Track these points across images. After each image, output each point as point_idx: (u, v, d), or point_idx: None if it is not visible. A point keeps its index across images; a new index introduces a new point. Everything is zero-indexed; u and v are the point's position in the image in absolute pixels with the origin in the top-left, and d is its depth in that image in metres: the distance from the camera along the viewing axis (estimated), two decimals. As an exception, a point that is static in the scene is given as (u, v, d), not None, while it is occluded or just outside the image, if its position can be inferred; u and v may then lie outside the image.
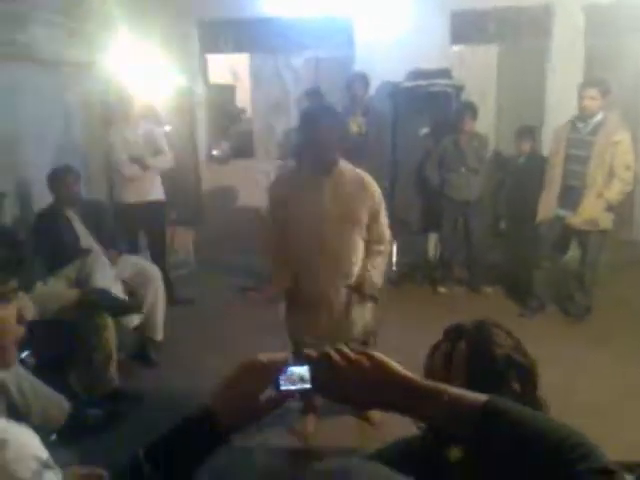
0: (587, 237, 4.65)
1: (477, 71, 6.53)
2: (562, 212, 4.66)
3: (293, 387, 0.96)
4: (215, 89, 7.25)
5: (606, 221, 4.56)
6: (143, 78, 5.92)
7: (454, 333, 1.25)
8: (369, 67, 5.85)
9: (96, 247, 4.10)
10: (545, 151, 5.34)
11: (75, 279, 3.73)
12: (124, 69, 5.69)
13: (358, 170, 3.01)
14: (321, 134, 2.80)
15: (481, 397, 0.88)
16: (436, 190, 5.51)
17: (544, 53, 6.20)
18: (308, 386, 0.95)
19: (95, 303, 3.44)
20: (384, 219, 3.06)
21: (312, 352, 0.95)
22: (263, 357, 0.98)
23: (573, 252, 4.95)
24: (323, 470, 0.86)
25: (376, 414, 3.31)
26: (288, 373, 0.96)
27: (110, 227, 4.41)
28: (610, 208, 4.51)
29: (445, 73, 6.05)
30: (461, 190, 5.36)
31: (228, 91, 8.14)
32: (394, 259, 5.51)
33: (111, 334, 3.49)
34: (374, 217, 3.01)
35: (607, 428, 3.19)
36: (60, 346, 3.31)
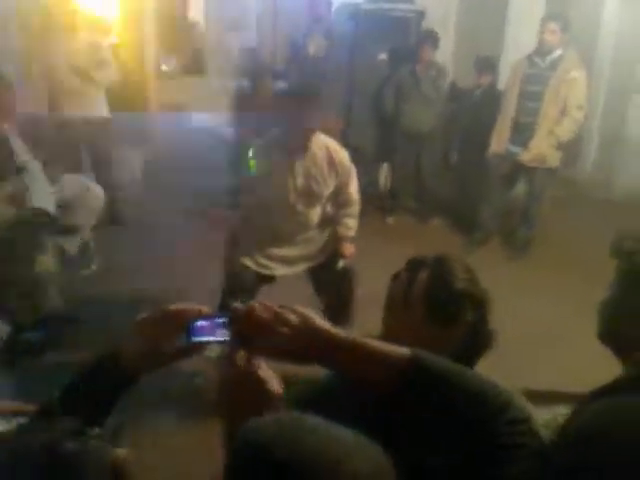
0: (534, 173, 4.71)
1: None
2: (513, 148, 4.70)
3: (206, 338, 0.95)
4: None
5: (554, 159, 4.62)
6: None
7: (416, 264, 1.30)
8: (329, -15, 5.60)
9: (35, 164, 3.89)
10: (502, 84, 5.31)
11: (11, 197, 3.56)
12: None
13: (329, 144, 3.03)
14: (303, 120, 2.81)
15: (406, 351, 0.90)
16: (391, 119, 5.44)
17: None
18: (222, 339, 0.94)
19: (32, 223, 3.31)
20: (354, 186, 3.16)
21: (238, 305, 0.93)
22: (177, 307, 0.97)
23: (520, 187, 5.03)
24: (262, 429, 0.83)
25: None
26: (202, 324, 0.95)
27: (50, 143, 4.20)
28: (559, 146, 4.57)
29: (407, -4, 5.86)
30: (416, 120, 5.29)
31: (180, 2, 7.69)
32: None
33: (49, 255, 3.39)
34: (342, 188, 3.11)
35: (538, 357, 3.38)
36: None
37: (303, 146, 2.92)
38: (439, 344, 1.18)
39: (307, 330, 0.90)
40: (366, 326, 3.31)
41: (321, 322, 0.92)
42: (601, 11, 6.16)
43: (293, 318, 0.91)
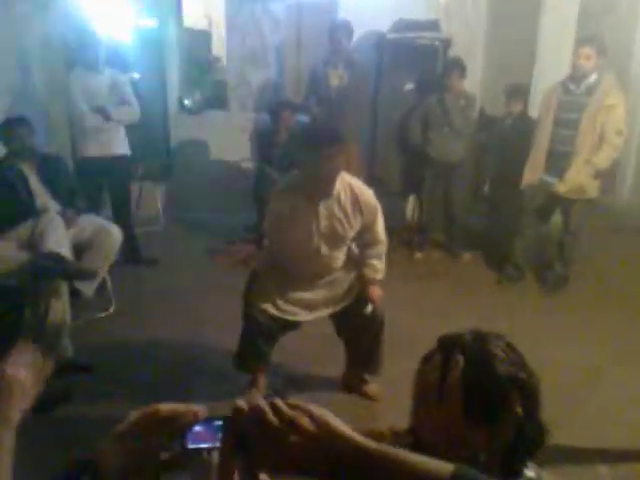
0: (571, 205, 4.47)
1: (466, 23, 6.17)
2: (548, 178, 4.46)
3: (204, 445, 0.77)
4: (189, 35, 6.83)
5: (592, 189, 4.37)
6: (110, 19, 5.52)
7: (449, 344, 1.08)
8: (353, 15, 5.47)
9: (53, 206, 3.81)
10: (532, 112, 5.10)
11: (27, 241, 3.46)
12: (89, 9, 5.27)
13: (353, 184, 2.87)
14: (327, 164, 2.65)
15: (446, 467, 0.70)
16: (418, 150, 5.26)
17: (537, 6, 5.86)
18: (218, 444, 0.76)
19: (46, 268, 3.18)
20: (380, 226, 2.98)
21: (240, 403, 0.74)
22: (169, 407, 0.78)
23: (556, 220, 4.78)
24: None
25: (373, 387, 3.19)
26: (199, 428, 0.77)
27: (69, 184, 4.11)
28: (597, 175, 4.32)
29: (433, 25, 5.72)
30: (444, 151, 5.10)
31: (203, 37, 7.66)
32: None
33: (64, 301, 3.26)
34: (367, 228, 2.94)
35: (576, 407, 3.10)
36: (7, 312, 3.06)
37: (326, 190, 2.76)
38: (482, 445, 0.97)
39: (324, 438, 0.72)
40: (391, 374, 3.08)
41: (342, 428, 0.73)
42: (634, 30, 5.94)
43: (306, 423, 0.73)
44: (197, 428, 0.77)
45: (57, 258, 3.23)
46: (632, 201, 6.21)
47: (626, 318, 4.18)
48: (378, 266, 3.01)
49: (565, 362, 3.57)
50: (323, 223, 2.81)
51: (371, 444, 0.72)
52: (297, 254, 2.88)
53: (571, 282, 4.69)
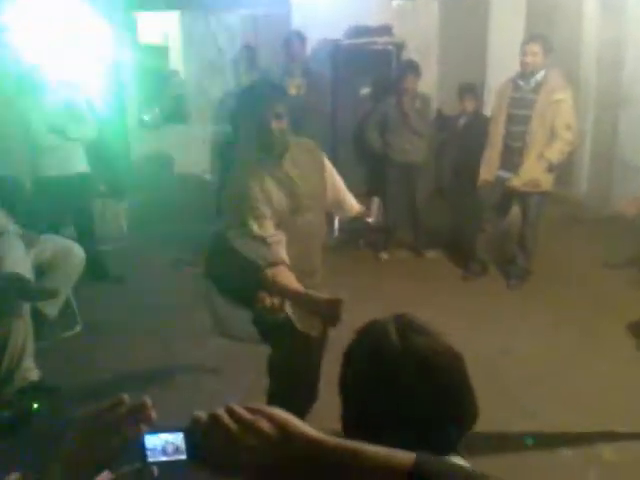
0: (528, 199, 4.57)
1: (418, 27, 6.29)
2: (504, 174, 4.56)
3: (165, 458, 0.76)
4: (145, 50, 6.82)
5: (547, 183, 4.48)
6: (62, 38, 5.48)
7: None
8: (307, 24, 5.54)
9: (11, 227, 3.76)
10: (487, 110, 5.21)
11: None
12: (40, 28, 5.21)
13: (301, 140, 2.60)
14: (272, 117, 2.35)
15: (408, 457, 0.71)
16: (378, 154, 5.33)
17: (486, 7, 6.00)
18: (183, 457, 0.76)
19: (5, 289, 3.15)
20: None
21: (201, 415, 0.75)
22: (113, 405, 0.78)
23: (514, 213, 4.88)
24: None
25: None
26: (157, 438, 0.76)
27: (27, 204, 4.07)
28: (551, 169, 4.43)
29: (386, 30, 5.82)
30: (405, 153, 5.18)
31: (160, 52, 7.65)
32: (335, 225, 5.32)
33: (26, 322, 3.22)
34: (340, 192, 2.65)
35: (545, 396, 3.17)
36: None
37: (283, 152, 2.44)
38: None
39: (282, 440, 0.73)
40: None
41: (302, 429, 0.74)
42: (581, 28, 6.11)
43: (266, 426, 0.73)
44: (152, 441, 0.76)
45: (16, 278, 3.19)
46: (589, 192, 6.37)
47: (587, 304, 4.29)
48: None
49: (533, 351, 3.66)
50: (296, 183, 2.44)
51: (331, 441, 0.73)
52: (292, 236, 2.43)
53: (533, 273, 4.78)
